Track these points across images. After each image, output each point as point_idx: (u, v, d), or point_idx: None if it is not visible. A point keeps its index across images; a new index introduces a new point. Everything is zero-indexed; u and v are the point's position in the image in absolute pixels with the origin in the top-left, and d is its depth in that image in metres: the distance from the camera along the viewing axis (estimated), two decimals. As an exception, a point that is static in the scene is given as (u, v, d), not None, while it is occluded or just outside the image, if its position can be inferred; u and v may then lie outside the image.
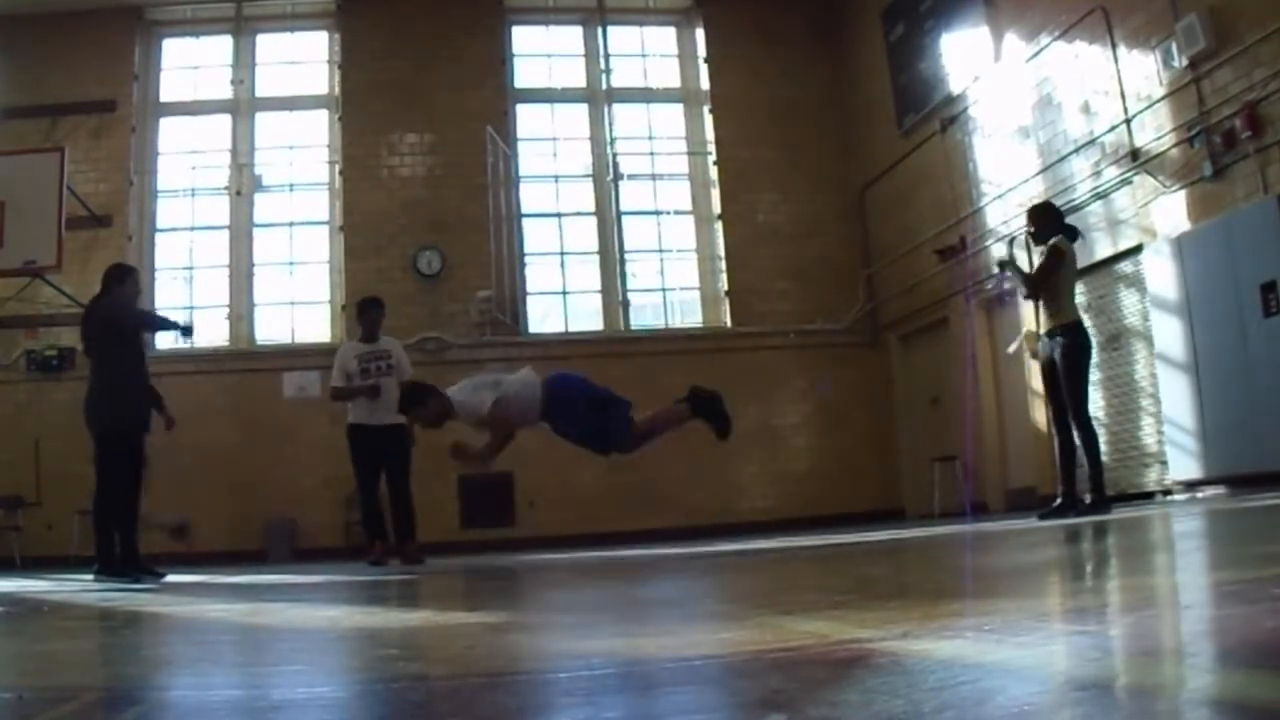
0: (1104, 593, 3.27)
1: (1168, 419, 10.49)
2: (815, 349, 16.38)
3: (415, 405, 7.69)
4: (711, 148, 17.28)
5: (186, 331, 9.86)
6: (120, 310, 8.55)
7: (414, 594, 6.00)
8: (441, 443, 8.10)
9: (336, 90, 16.69)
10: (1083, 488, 8.70)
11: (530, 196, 17.12)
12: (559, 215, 17.34)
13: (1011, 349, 10.73)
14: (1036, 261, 9.23)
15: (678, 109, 17.84)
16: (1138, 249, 11.09)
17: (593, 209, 17.27)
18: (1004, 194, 13.26)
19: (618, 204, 17.11)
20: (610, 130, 17.35)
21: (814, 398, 16.33)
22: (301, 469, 14.18)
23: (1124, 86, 11.06)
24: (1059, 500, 8.74)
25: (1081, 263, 11.64)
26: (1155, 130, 10.67)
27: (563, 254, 17.23)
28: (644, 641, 2.82)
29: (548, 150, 17.53)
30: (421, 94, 16.50)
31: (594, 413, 7.20)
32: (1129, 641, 2.09)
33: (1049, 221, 8.99)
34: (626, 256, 17.05)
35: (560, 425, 7.42)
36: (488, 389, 7.45)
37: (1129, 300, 11.41)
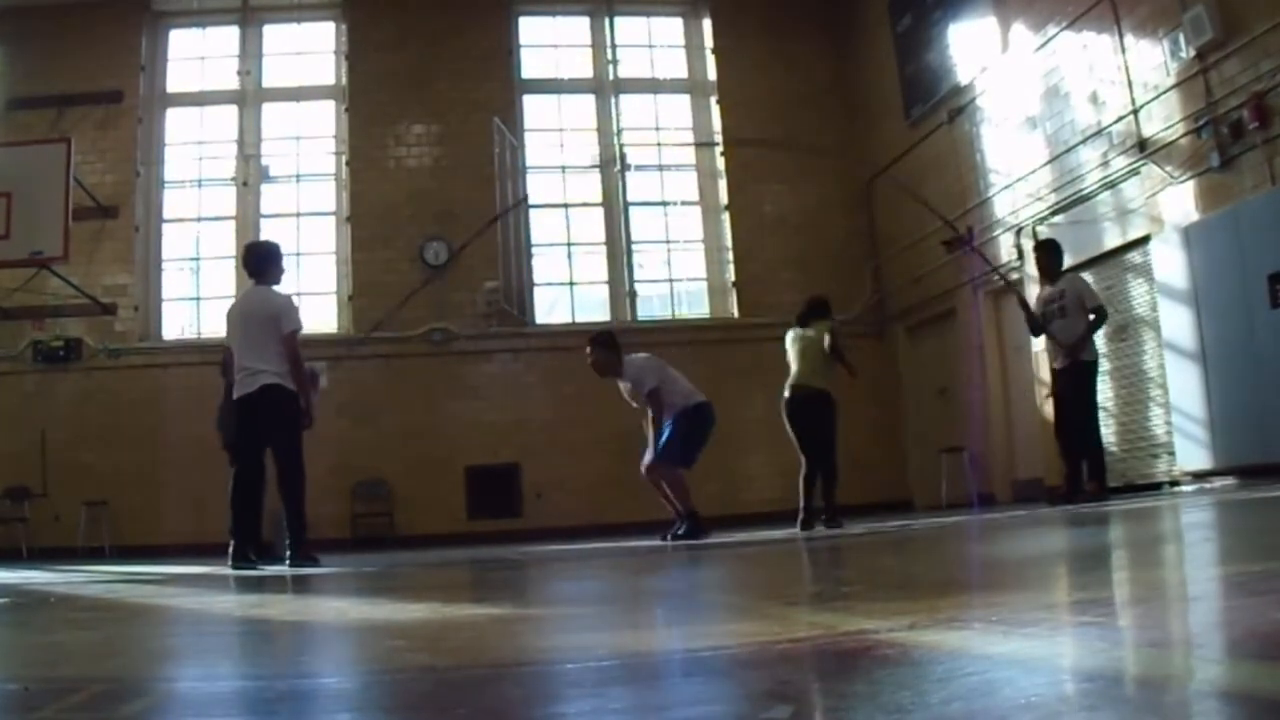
0: (1111, 584, 3.27)
1: (1176, 409, 10.48)
2: (822, 340, 16.35)
3: (600, 346, 9.65)
4: (718, 138, 17.25)
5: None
6: None
7: (421, 586, 6.01)
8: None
9: (343, 81, 16.70)
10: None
11: (537, 187, 17.11)
12: (566, 206, 17.35)
13: None
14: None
15: (685, 100, 17.84)
16: (1146, 239, 11.07)
17: (600, 200, 17.27)
18: (1012, 184, 13.24)
19: (625, 195, 17.10)
20: (617, 121, 17.35)
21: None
22: (307, 459, 14.18)
23: (1131, 77, 11.04)
24: None
25: (1090, 253, 11.75)
26: (1163, 120, 10.64)
27: (570, 245, 17.24)
28: (651, 633, 2.83)
29: (555, 141, 17.54)
30: (428, 85, 16.50)
31: (682, 443, 9.37)
32: (1136, 633, 2.08)
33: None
34: (633, 247, 17.05)
35: (670, 426, 9.36)
36: (654, 376, 9.47)
37: (1137, 290, 11.39)
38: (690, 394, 9.59)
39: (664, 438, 9.38)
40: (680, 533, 9.47)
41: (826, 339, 9.89)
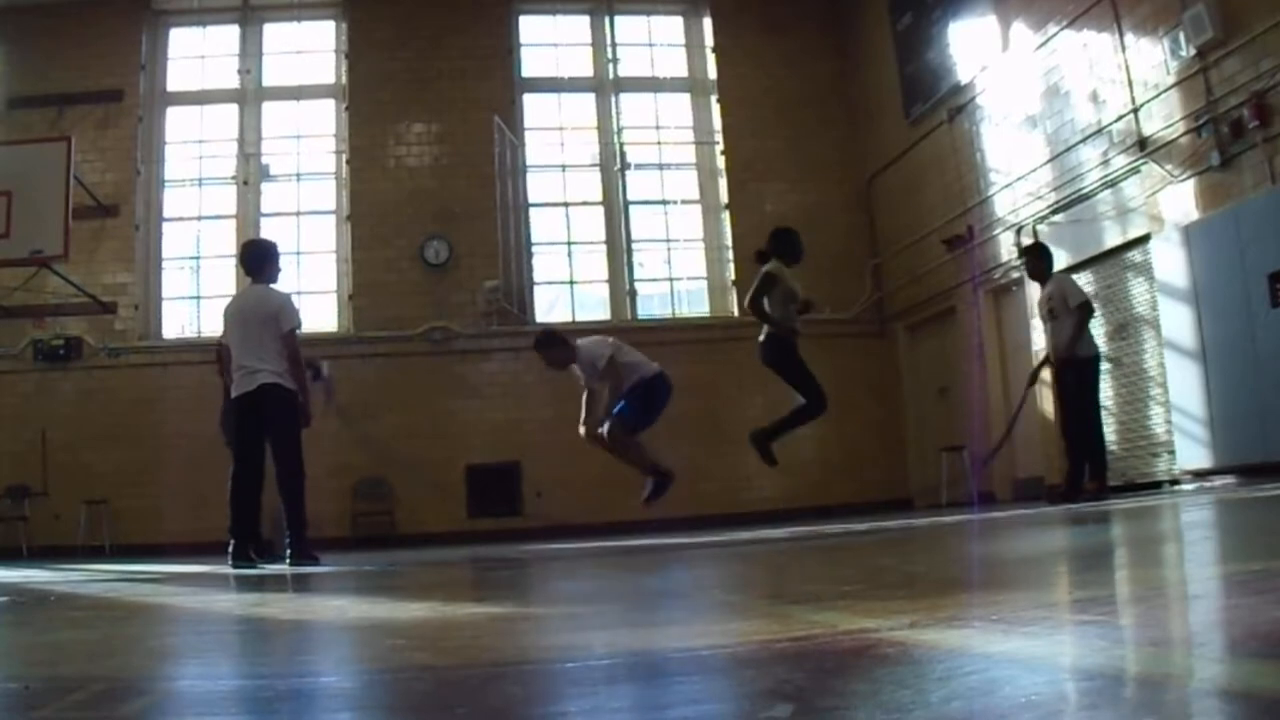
0: (1111, 583, 3.27)
1: (1176, 408, 10.48)
2: (822, 339, 16.35)
3: (547, 346, 9.43)
4: (718, 137, 17.25)
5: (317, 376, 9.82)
6: None
7: (421, 584, 6.01)
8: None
9: (343, 80, 16.69)
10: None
11: (537, 186, 17.12)
12: (566, 205, 17.35)
13: None
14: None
15: (685, 98, 17.83)
16: (1146, 238, 11.07)
17: (600, 199, 17.27)
18: (1012, 183, 13.24)
19: (625, 194, 17.10)
20: (617, 120, 17.34)
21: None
22: (307, 458, 14.20)
23: (1132, 75, 11.04)
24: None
25: (1090, 251, 11.77)
26: (1163, 119, 10.64)
27: (570, 244, 17.24)
28: (651, 632, 2.83)
29: (555, 140, 17.53)
30: (428, 84, 16.50)
31: (642, 408, 9.28)
32: (1136, 631, 2.08)
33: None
34: (633, 246, 17.05)
35: (627, 396, 9.19)
36: (608, 347, 9.25)
37: (1138, 289, 11.39)
38: (645, 365, 9.45)
39: (622, 404, 9.25)
40: (649, 494, 9.42)
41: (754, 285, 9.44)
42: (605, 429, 9.25)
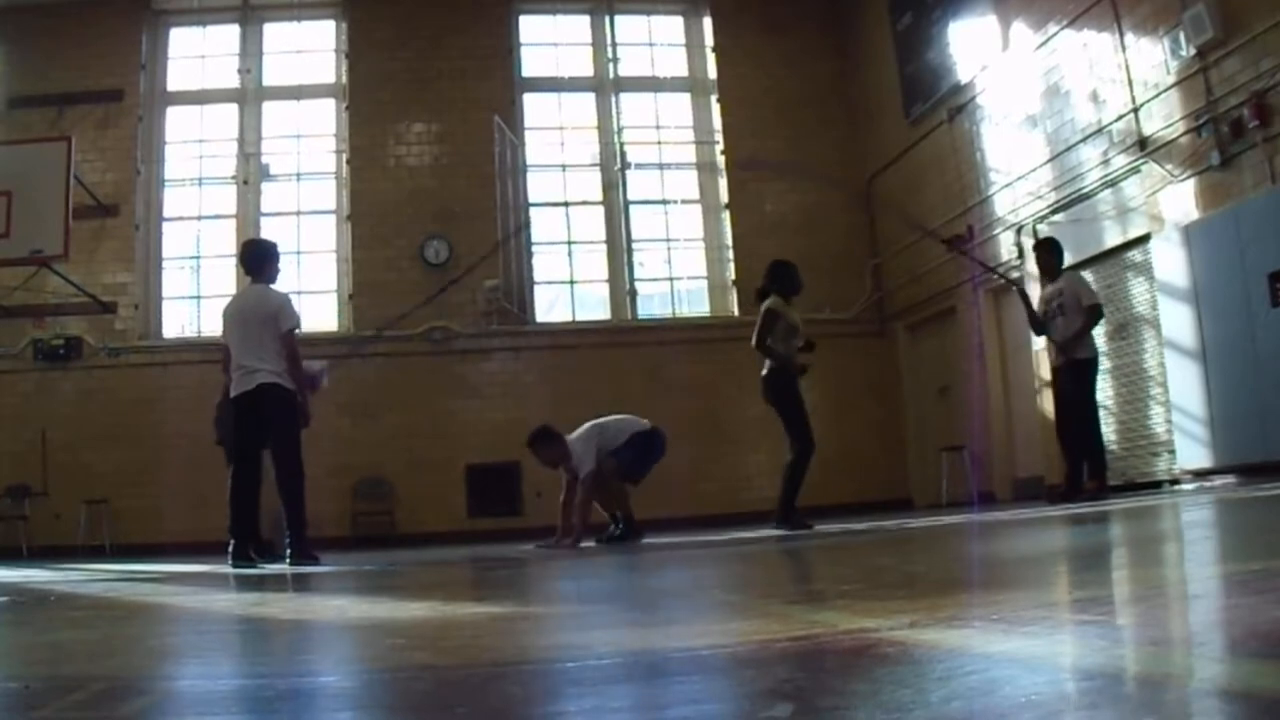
0: (1111, 582, 3.26)
1: (1176, 407, 10.48)
2: (822, 338, 16.30)
3: (543, 445, 9.63)
4: (719, 137, 17.25)
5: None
6: None
7: (421, 584, 6.01)
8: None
9: (344, 79, 16.70)
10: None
11: (537, 186, 17.11)
12: (566, 204, 17.34)
13: None
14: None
15: (685, 98, 17.83)
16: (1146, 238, 11.07)
17: (600, 198, 17.26)
18: (1012, 183, 13.24)
19: (625, 193, 17.09)
20: (617, 119, 17.34)
21: (820, 387, 16.34)
22: (307, 458, 14.20)
23: (1132, 75, 11.04)
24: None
25: (1090, 251, 11.76)
26: (1163, 119, 10.64)
27: (570, 243, 17.24)
28: (651, 631, 2.82)
29: (555, 139, 17.53)
30: (429, 83, 16.50)
31: (637, 457, 9.70)
32: (1137, 631, 2.08)
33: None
34: (634, 246, 17.05)
35: (623, 448, 9.57)
36: (594, 451, 9.47)
37: (1138, 288, 11.39)
38: (637, 424, 9.80)
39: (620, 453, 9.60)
40: (616, 534, 9.69)
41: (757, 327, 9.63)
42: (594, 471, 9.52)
